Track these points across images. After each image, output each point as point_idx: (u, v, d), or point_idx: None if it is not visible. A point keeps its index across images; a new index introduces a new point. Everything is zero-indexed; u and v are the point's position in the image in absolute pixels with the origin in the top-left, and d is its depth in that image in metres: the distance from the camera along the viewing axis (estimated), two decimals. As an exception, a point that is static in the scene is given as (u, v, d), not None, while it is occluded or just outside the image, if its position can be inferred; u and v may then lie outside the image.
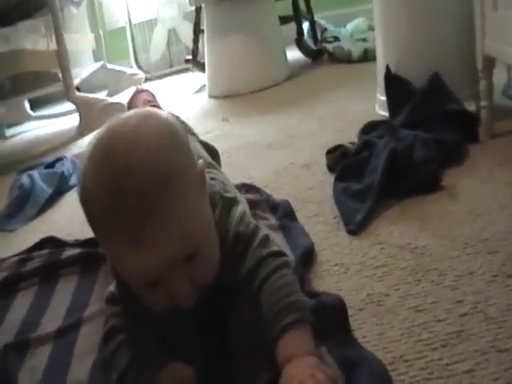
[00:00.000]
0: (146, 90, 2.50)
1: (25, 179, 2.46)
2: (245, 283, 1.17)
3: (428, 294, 1.26)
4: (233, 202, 1.24)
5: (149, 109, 1.11)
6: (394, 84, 2.29)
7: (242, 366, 1.10)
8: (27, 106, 4.11)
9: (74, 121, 3.60)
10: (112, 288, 1.24)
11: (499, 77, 2.16)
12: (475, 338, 1.11)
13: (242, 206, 1.27)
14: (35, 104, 4.24)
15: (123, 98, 3.36)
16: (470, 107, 2.06)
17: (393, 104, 2.27)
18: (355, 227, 1.59)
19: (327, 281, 1.38)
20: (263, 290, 1.15)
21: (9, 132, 4.04)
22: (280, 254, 1.21)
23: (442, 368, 1.06)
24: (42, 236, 1.93)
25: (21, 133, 3.99)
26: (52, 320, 1.47)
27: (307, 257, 1.45)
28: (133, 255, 0.98)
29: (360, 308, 1.26)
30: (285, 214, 1.66)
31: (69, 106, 3.74)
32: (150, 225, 0.96)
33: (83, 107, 3.39)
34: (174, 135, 1.08)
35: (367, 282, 1.36)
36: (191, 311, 1.13)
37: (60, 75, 3.41)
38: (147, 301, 1.09)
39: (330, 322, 1.16)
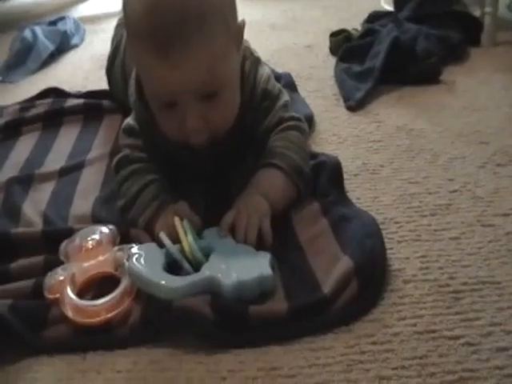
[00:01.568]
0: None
1: (27, 33, 2.40)
2: (262, 138, 1.23)
3: (421, 170, 1.31)
4: (260, 60, 1.28)
5: None
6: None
7: None
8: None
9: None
10: (130, 120, 1.27)
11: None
12: (462, 212, 1.16)
13: (267, 68, 1.31)
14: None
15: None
16: (475, 13, 2.07)
17: (399, -1, 2.26)
18: (354, 104, 1.62)
19: (324, 148, 1.41)
20: (273, 138, 1.21)
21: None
22: (301, 119, 1.28)
23: (429, 232, 1.11)
24: (45, 88, 1.93)
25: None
26: (55, 161, 1.50)
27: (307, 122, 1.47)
28: (159, 69, 1.02)
29: (355, 174, 1.31)
30: (286, 84, 1.67)
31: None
32: (181, 45, 1.00)
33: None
34: None
35: (363, 153, 1.40)
36: (204, 158, 1.20)
37: None
38: (162, 124, 1.13)
39: (326, 180, 1.21)
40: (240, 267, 0.97)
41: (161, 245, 1.03)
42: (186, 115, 1.06)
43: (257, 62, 1.26)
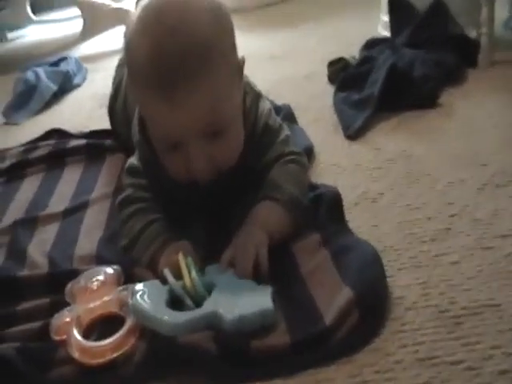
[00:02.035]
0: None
1: (30, 75, 2.47)
2: (262, 171, 1.25)
3: (420, 196, 1.31)
4: (260, 95, 1.30)
5: None
6: (398, 5, 2.29)
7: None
8: (29, 8, 4.04)
9: (76, 26, 3.54)
10: (133, 160, 1.29)
11: (501, 11, 2.18)
12: (462, 236, 1.16)
13: (268, 102, 1.33)
14: (37, 9, 4.18)
15: (128, 3, 3.32)
16: (471, 34, 2.08)
17: (395, 24, 2.27)
18: (353, 133, 1.63)
19: (324, 178, 1.42)
20: (273, 172, 1.24)
21: (11, 35, 4.00)
22: (301, 154, 1.31)
23: (430, 258, 1.11)
24: (47, 129, 1.97)
25: (22, 36, 3.96)
26: (59, 202, 1.53)
27: (307, 155, 1.48)
28: (164, 111, 1.04)
29: (355, 203, 1.32)
30: (286, 115, 1.70)
31: (71, 11, 3.71)
32: (185, 85, 1.02)
33: (87, 12, 3.33)
34: (226, 18, 1.12)
35: (363, 182, 1.41)
36: (207, 194, 1.20)
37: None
38: (168, 165, 1.15)
39: (326, 211, 1.22)
40: (241, 302, 0.98)
41: (164, 281, 1.04)
42: (191, 155, 1.08)
43: (257, 96, 1.28)
